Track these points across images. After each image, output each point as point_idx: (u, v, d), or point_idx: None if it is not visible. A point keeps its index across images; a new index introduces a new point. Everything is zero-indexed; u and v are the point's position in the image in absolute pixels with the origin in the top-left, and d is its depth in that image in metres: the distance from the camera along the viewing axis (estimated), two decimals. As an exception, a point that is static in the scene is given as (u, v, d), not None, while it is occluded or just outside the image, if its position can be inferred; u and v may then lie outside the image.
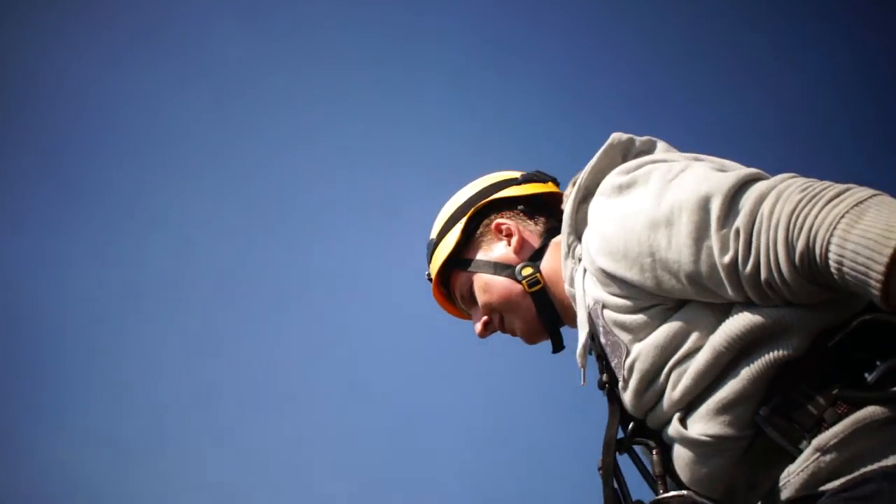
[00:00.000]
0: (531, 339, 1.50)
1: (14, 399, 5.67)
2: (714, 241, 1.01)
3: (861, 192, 0.91)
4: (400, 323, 6.47)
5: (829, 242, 0.89)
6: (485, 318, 1.49)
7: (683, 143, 1.33)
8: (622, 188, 1.17)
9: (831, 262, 0.89)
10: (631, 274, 1.11)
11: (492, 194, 1.52)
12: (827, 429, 0.96)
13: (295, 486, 5.56)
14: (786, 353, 1.00)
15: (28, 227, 6.08)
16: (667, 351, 1.11)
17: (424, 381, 6.22)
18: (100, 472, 5.48)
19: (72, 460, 5.51)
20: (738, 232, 0.99)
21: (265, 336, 6.52)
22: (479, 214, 1.51)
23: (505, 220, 1.49)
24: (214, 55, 6.24)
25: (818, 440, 0.97)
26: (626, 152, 1.30)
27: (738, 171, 1.07)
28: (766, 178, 1.04)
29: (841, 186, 0.93)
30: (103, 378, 6.02)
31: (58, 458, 5.49)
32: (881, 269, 0.84)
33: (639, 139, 1.31)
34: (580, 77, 6.36)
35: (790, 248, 0.93)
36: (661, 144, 1.32)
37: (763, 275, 0.97)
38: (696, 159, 1.19)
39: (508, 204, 1.51)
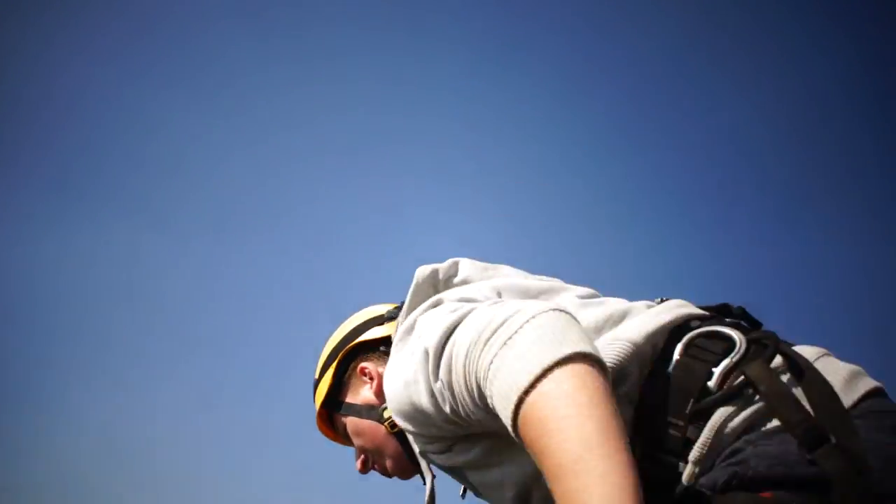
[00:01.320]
0: (403, 475, 1.56)
1: (14, 399, 5.67)
2: (436, 393, 1.10)
3: (503, 337, 0.99)
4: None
5: (487, 396, 0.99)
6: (362, 456, 1.58)
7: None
8: (397, 344, 1.24)
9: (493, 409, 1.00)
10: (419, 430, 1.19)
11: (356, 338, 1.59)
12: (694, 443, 1.02)
13: (294, 487, 5.55)
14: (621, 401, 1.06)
15: (25, 224, 6.07)
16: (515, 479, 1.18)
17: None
18: (99, 472, 5.48)
19: (71, 460, 5.50)
20: (443, 384, 1.07)
21: (265, 336, 6.51)
22: (347, 358, 1.59)
23: (367, 364, 1.55)
24: (215, 54, 6.23)
25: (692, 456, 1.02)
26: (434, 283, 1.35)
27: (452, 317, 1.12)
28: (468, 317, 1.10)
29: (491, 338, 1.01)
30: (102, 378, 6.01)
31: (57, 459, 5.48)
32: (511, 423, 0.95)
33: (441, 267, 1.37)
34: (585, 76, 6.36)
35: (470, 394, 1.03)
36: (462, 264, 1.38)
37: (474, 416, 1.06)
38: (489, 277, 1.31)
39: (372, 346, 1.57)
